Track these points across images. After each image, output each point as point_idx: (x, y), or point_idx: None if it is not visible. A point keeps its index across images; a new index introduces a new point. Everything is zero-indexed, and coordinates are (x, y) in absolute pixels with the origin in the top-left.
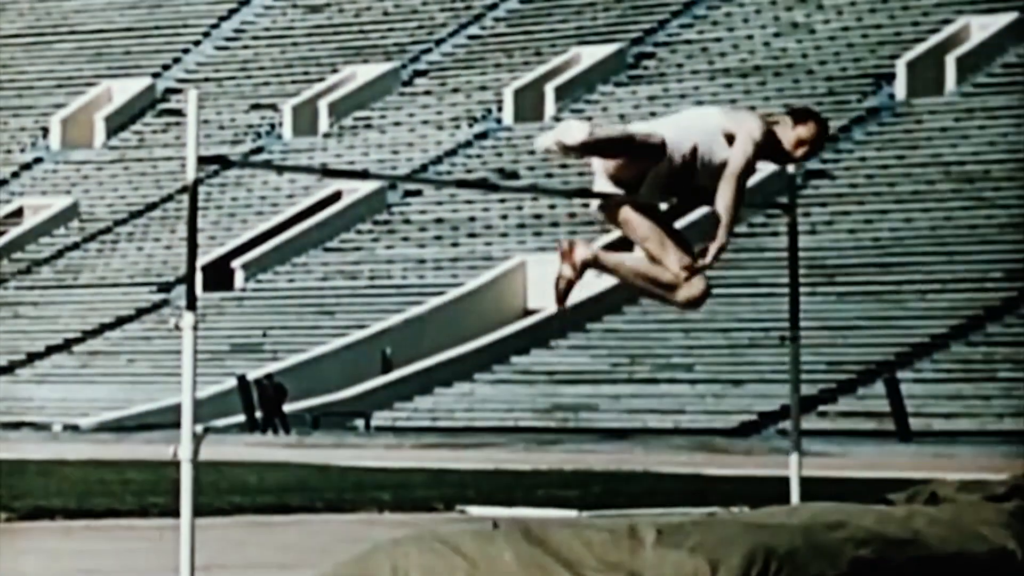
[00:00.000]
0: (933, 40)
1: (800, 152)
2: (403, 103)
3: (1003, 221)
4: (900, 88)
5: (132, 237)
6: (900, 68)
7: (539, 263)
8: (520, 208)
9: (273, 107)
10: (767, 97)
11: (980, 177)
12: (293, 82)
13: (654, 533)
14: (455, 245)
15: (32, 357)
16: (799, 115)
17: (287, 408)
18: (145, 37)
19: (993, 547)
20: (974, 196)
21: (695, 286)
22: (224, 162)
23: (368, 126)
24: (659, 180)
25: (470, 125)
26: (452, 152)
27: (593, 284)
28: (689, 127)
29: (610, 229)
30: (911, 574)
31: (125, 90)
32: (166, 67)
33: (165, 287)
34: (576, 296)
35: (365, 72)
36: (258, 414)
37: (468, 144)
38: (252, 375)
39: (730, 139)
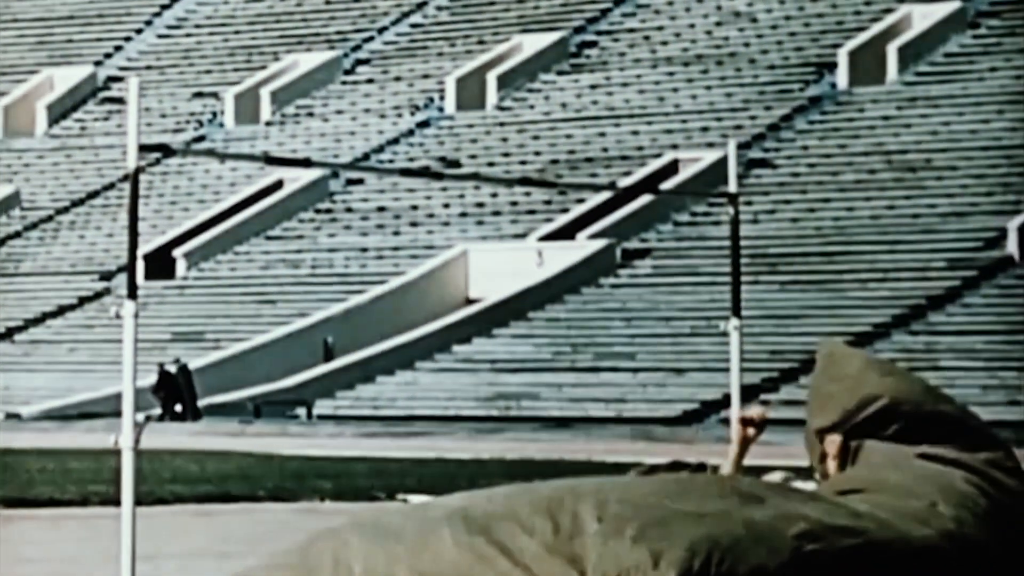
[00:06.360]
0: (875, 29)
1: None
2: (345, 92)
3: (945, 210)
4: (842, 77)
5: (74, 226)
6: (842, 57)
7: (481, 252)
8: (462, 197)
9: (215, 95)
10: (709, 86)
11: (922, 166)
12: (235, 70)
13: (596, 521)
14: (397, 234)
15: None
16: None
17: (207, 402)
18: (87, 25)
19: (939, 530)
20: (916, 185)
21: None
22: (166, 150)
23: (310, 114)
24: None
25: (412, 114)
26: (394, 141)
27: (534, 273)
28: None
29: None
30: (854, 561)
31: (67, 78)
32: (108, 55)
33: (107, 276)
34: (517, 285)
35: (307, 60)
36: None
37: (410, 133)
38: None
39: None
